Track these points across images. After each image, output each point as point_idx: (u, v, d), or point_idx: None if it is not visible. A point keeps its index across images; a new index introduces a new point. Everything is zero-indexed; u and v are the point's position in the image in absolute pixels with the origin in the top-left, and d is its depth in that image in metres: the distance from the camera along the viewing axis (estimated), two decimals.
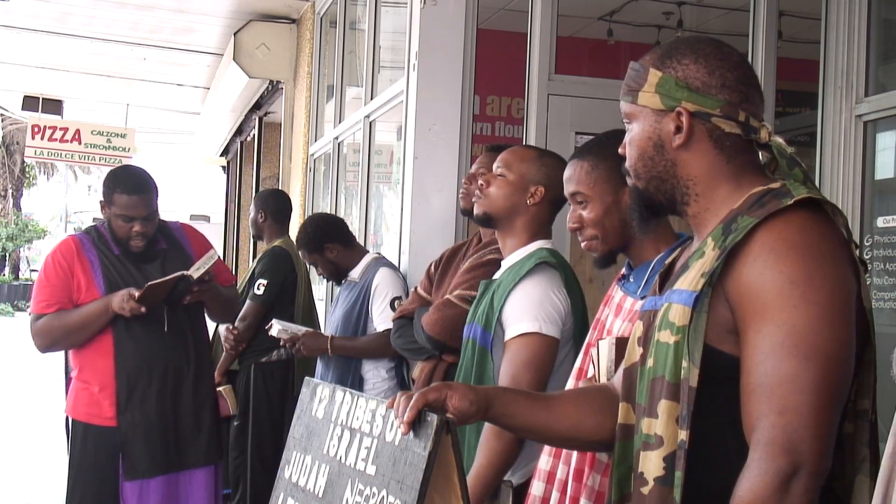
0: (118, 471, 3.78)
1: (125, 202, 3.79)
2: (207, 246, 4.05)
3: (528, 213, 2.83)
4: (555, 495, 2.24)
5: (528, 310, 2.65)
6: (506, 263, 2.86)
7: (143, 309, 3.68)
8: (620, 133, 1.81)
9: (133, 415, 3.77)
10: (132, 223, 3.81)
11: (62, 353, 4.01)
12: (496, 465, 2.50)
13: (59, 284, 3.79)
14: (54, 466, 8.22)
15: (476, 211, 2.90)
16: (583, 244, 2.39)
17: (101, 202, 3.89)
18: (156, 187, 3.94)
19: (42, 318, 3.79)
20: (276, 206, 5.59)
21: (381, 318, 4.35)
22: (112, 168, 4.00)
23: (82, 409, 3.84)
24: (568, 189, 2.41)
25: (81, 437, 3.83)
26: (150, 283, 3.70)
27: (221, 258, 4.17)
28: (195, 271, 3.75)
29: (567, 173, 2.42)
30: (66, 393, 4.08)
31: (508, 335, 2.66)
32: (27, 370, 15.71)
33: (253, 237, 6.94)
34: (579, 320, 2.75)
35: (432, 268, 3.90)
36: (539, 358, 2.62)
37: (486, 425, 2.48)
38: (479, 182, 2.89)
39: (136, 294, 3.66)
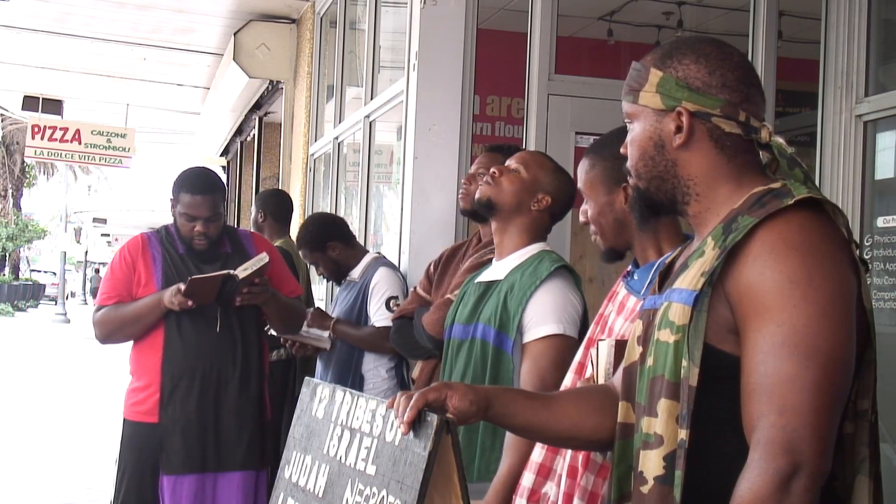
0: (158, 465, 3.86)
1: (189, 201, 3.90)
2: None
3: (528, 216, 2.85)
4: (550, 487, 2.24)
5: (551, 312, 2.69)
6: (505, 264, 2.86)
7: (189, 303, 3.74)
8: (625, 131, 1.82)
9: (174, 411, 3.85)
10: (194, 222, 3.91)
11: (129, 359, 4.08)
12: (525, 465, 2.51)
13: (122, 278, 3.93)
14: (53, 465, 8.23)
15: (479, 195, 2.89)
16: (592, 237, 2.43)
17: (170, 199, 4.01)
18: (223, 190, 4.04)
19: (102, 310, 3.94)
20: (276, 206, 5.59)
21: (378, 316, 4.36)
22: (184, 169, 4.11)
23: (131, 407, 3.93)
24: (578, 184, 2.45)
25: (130, 434, 3.92)
26: (194, 277, 3.75)
27: (289, 270, 4.21)
28: (242, 271, 3.78)
29: (578, 169, 2.45)
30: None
31: (531, 337, 2.69)
32: (27, 369, 15.73)
33: None
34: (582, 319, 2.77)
35: (431, 268, 3.91)
36: (564, 359, 2.65)
37: None
38: (492, 170, 2.90)
39: (183, 287, 3.73)
